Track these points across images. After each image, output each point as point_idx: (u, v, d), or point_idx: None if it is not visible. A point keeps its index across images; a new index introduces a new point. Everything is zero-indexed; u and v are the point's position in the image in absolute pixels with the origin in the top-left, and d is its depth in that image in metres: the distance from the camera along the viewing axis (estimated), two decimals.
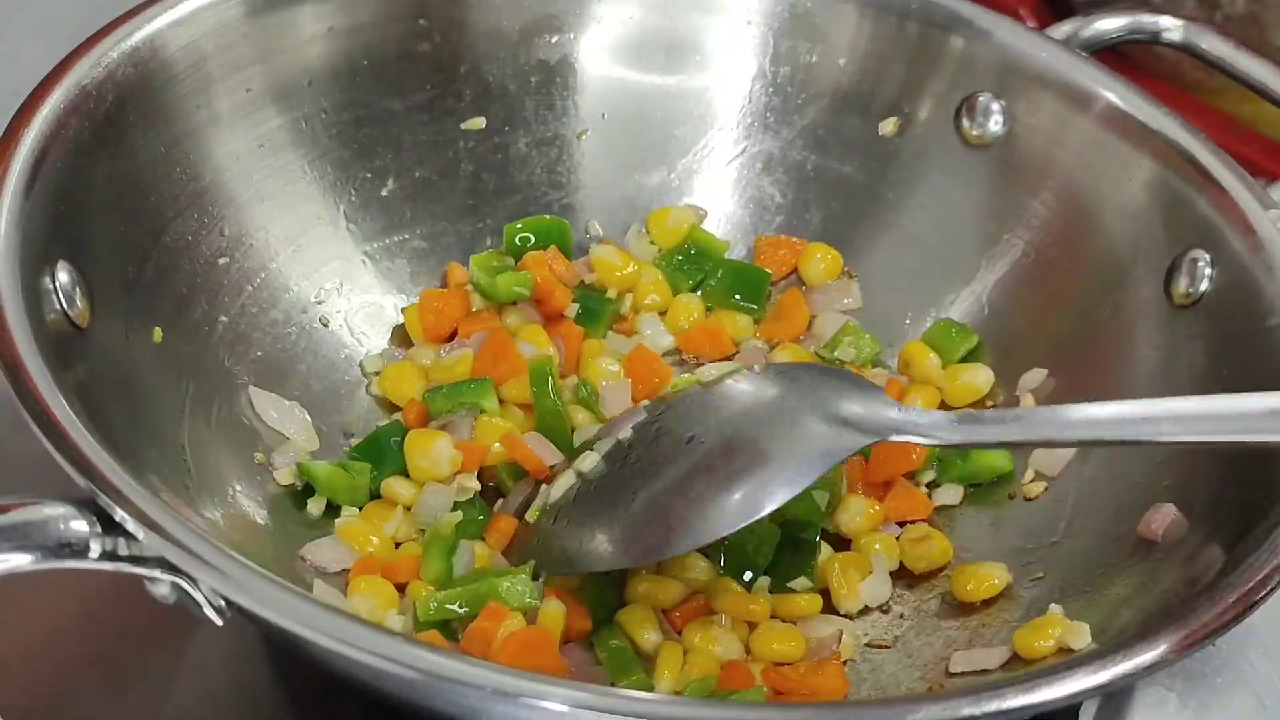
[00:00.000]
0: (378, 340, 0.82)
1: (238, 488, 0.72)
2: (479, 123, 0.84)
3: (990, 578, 0.71)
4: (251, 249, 0.78)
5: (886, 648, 0.72)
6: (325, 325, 0.81)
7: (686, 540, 0.66)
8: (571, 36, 0.85)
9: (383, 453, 0.75)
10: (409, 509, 0.73)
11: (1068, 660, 0.61)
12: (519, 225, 0.82)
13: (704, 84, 0.87)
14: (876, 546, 0.74)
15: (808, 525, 0.74)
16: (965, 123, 0.83)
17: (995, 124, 0.82)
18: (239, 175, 0.78)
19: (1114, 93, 0.80)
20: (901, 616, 0.74)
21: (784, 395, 0.69)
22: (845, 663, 0.71)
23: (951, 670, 0.68)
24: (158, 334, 0.72)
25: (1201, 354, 0.73)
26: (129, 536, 0.56)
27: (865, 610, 0.74)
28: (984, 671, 0.67)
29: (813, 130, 0.86)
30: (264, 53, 0.78)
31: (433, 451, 0.73)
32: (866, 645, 0.72)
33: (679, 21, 0.86)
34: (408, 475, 0.74)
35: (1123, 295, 0.77)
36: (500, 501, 0.74)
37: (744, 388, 0.70)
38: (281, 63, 0.79)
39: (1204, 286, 0.74)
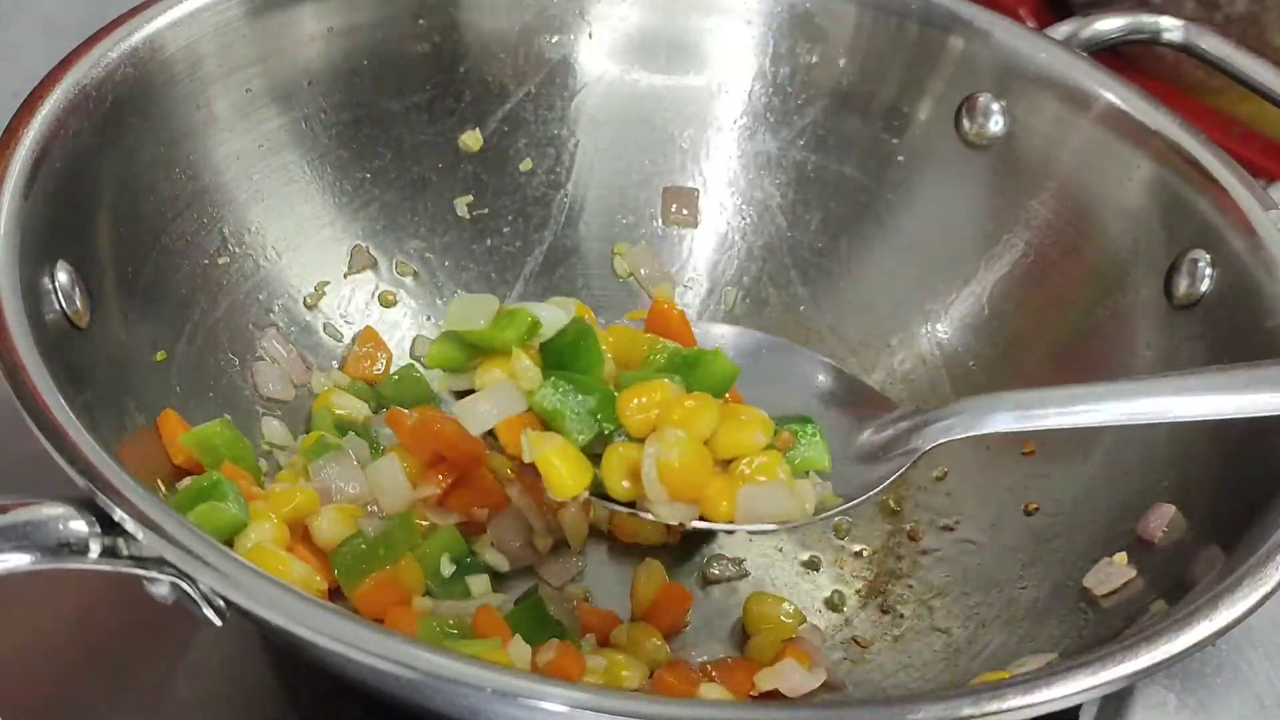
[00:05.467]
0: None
1: None
2: (476, 141, 0.84)
3: None
4: (250, 249, 0.78)
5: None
6: (324, 326, 0.81)
7: None
8: (571, 36, 0.85)
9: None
10: None
11: (1067, 661, 0.61)
12: None
13: (704, 84, 0.87)
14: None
15: None
16: (965, 123, 0.83)
17: (995, 124, 0.82)
18: (238, 175, 0.78)
19: (1114, 93, 0.80)
20: (902, 616, 0.74)
21: None
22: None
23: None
24: (160, 356, 0.72)
25: (1201, 355, 0.73)
26: (128, 536, 0.56)
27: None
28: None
29: (813, 130, 0.86)
30: (264, 53, 0.78)
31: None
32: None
33: (679, 21, 0.86)
34: None
35: (1122, 296, 0.77)
36: None
37: None
38: (281, 63, 0.79)
39: (1204, 287, 0.74)
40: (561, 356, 0.67)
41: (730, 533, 0.74)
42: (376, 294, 0.83)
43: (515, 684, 0.52)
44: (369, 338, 0.81)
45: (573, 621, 0.70)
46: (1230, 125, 1.01)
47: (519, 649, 0.67)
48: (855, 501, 0.68)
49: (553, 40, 0.85)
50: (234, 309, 0.77)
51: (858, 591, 0.76)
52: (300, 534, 0.70)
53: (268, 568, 0.60)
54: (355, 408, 0.77)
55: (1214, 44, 0.83)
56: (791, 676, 0.68)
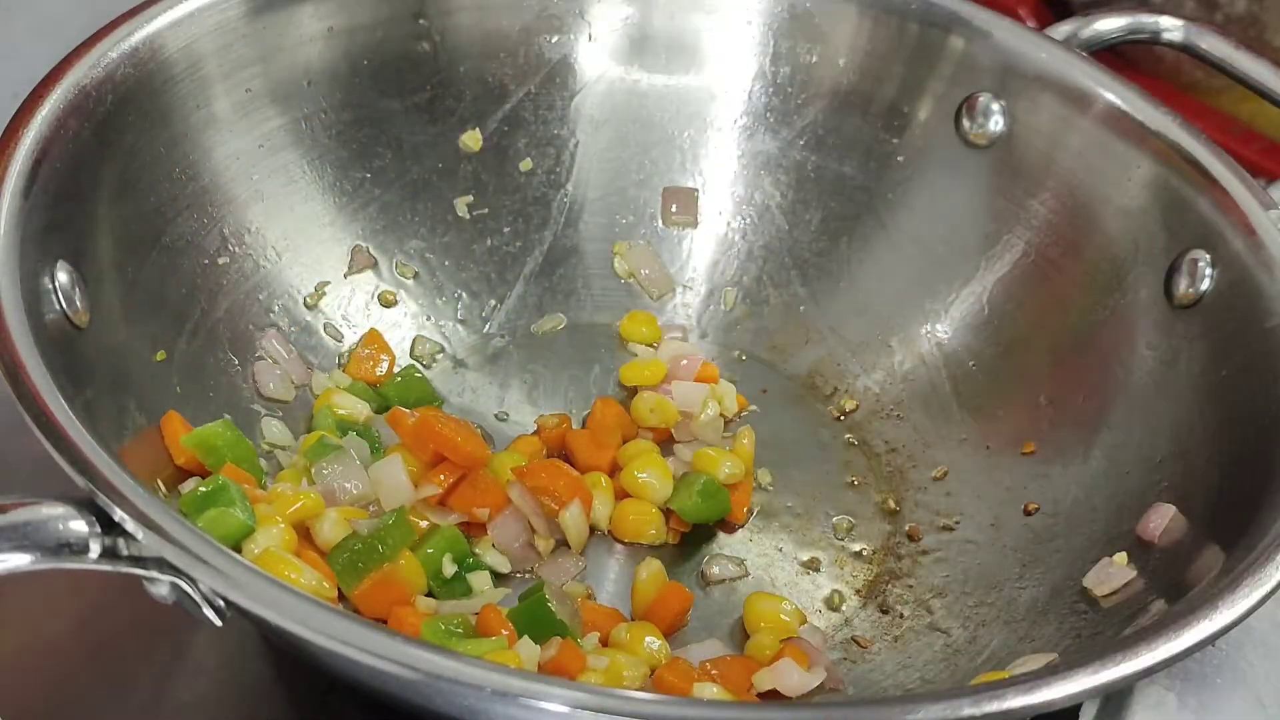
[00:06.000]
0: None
1: None
2: (475, 141, 0.84)
3: None
4: (250, 249, 0.78)
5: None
6: (324, 326, 0.81)
7: None
8: (571, 37, 0.85)
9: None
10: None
11: (1067, 660, 0.61)
12: None
13: (704, 84, 0.87)
14: None
15: None
16: (965, 123, 0.83)
17: (995, 124, 0.82)
18: (238, 175, 0.78)
19: (1114, 93, 0.80)
20: (902, 615, 0.74)
21: None
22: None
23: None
24: (160, 356, 0.72)
25: (1201, 354, 0.73)
26: (128, 536, 0.56)
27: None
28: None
29: (813, 130, 0.86)
30: (264, 53, 0.78)
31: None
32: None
33: (679, 21, 0.86)
34: None
35: (1123, 296, 0.77)
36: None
37: None
38: (281, 63, 0.79)
39: (1204, 286, 0.74)
40: None
41: None
42: (376, 294, 0.83)
43: (514, 684, 0.52)
44: (373, 340, 0.81)
45: (575, 619, 0.70)
46: (1230, 125, 1.01)
47: (528, 649, 0.67)
48: None
49: (553, 40, 0.85)
50: (234, 309, 0.77)
51: (858, 591, 0.76)
52: (306, 536, 0.70)
53: (278, 574, 0.60)
54: (357, 408, 0.77)
55: (1214, 44, 0.83)
56: (789, 676, 0.68)
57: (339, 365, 0.80)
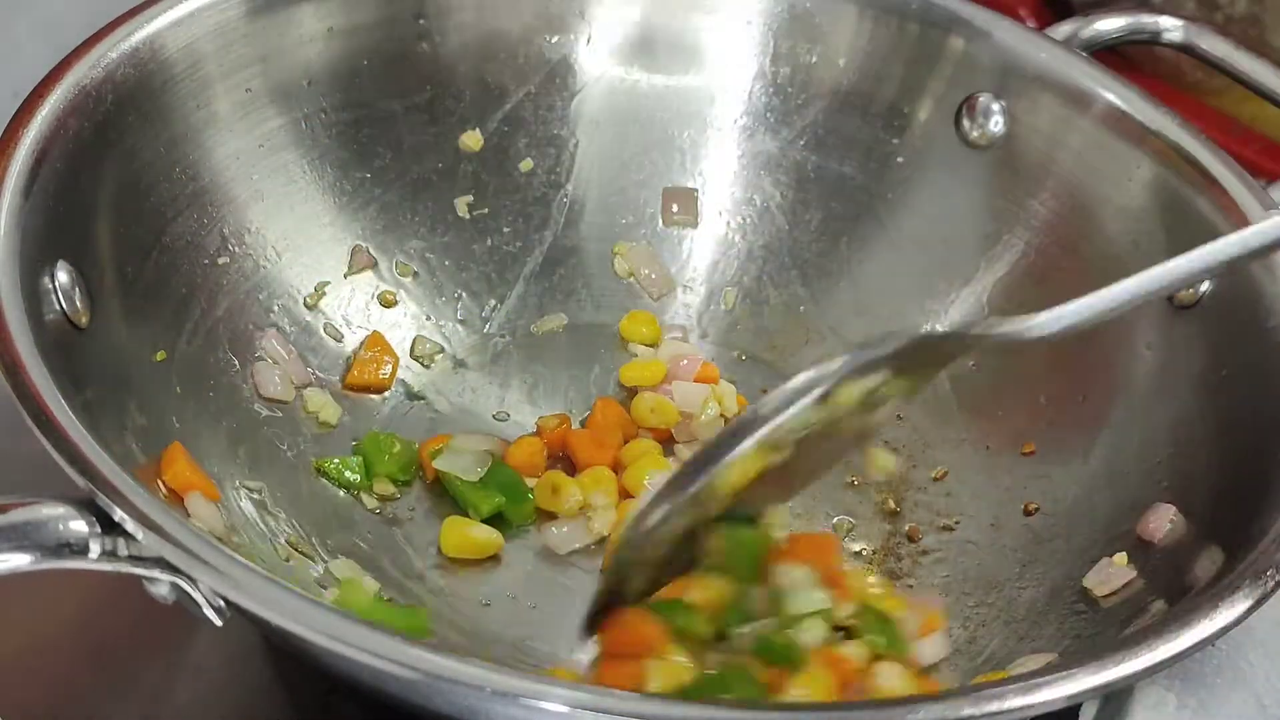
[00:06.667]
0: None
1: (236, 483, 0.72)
2: (476, 141, 0.84)
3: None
4: (250, 249, 0.78)
5: None
6: (324, 327, 0.81)
7: None
8: (571, 37, 0.85)
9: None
10: None
11: (1067, 660, 0.61)
12: None
13: (704, 84, 0.87)
14: None
15: None
16: (965, 123, 0.83)
17: (995, 124, 0.82)
18: (238, 175, 0.78)
19: (1114, 93, 0.80)
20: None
21: None
22: None
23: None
24: (160, 356, 0.72)
25: (1201, 354, 0.73)
26: (128, 536, 0.56)
27: None
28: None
29: (813, 130, 0.86)
30: (264, 53, 0.78)
31: None
32: None
33: (679, 21, 0.86)
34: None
35: None
36: None
37: None
38: (281, 63, 0.79)
39: (1204, 287, 0.74)
40: None
41: None
42: (376, 294, 0.83)
43: (515, 684, 0.52)
44: (376, 342, 0.81)
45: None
46: (1230, 125, 1.01)
47: None
48: None
49: (553, 40, 0.85)
50: (234, 309, 0.77)
51: None
52: None
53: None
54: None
55: (1214, 44, 0.83)
56: None
57: (340, 366, 0.80)
